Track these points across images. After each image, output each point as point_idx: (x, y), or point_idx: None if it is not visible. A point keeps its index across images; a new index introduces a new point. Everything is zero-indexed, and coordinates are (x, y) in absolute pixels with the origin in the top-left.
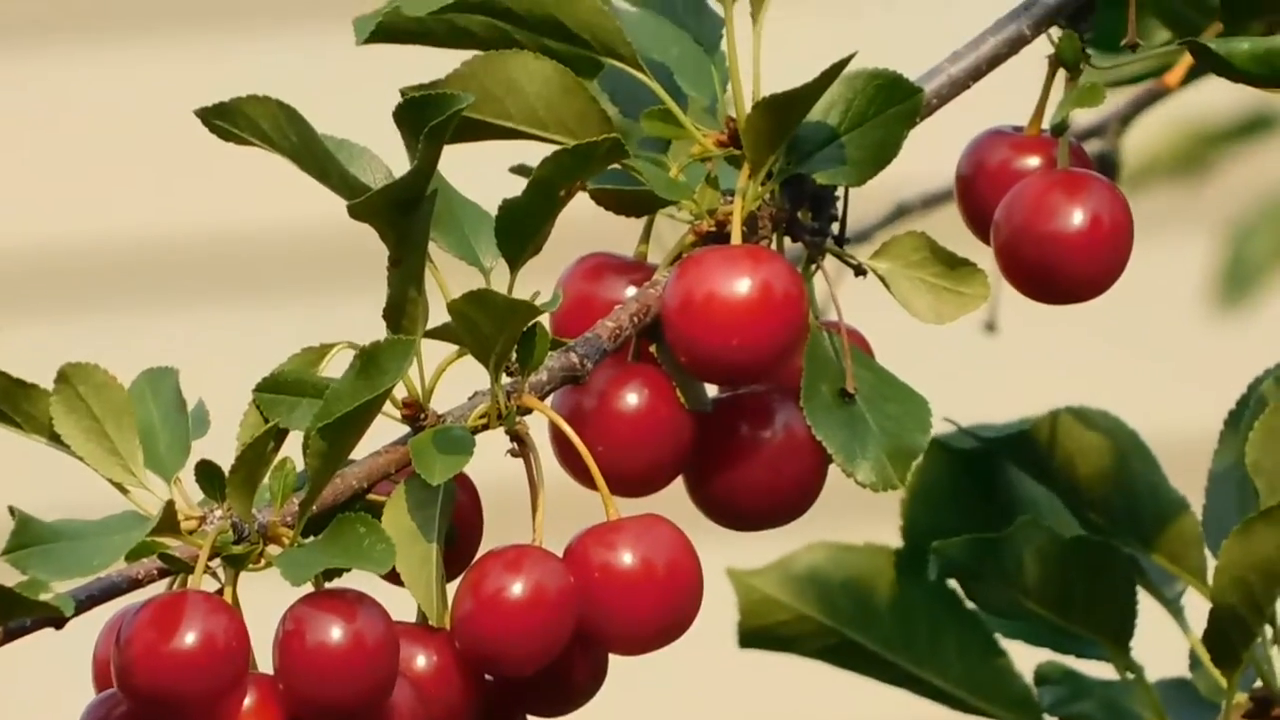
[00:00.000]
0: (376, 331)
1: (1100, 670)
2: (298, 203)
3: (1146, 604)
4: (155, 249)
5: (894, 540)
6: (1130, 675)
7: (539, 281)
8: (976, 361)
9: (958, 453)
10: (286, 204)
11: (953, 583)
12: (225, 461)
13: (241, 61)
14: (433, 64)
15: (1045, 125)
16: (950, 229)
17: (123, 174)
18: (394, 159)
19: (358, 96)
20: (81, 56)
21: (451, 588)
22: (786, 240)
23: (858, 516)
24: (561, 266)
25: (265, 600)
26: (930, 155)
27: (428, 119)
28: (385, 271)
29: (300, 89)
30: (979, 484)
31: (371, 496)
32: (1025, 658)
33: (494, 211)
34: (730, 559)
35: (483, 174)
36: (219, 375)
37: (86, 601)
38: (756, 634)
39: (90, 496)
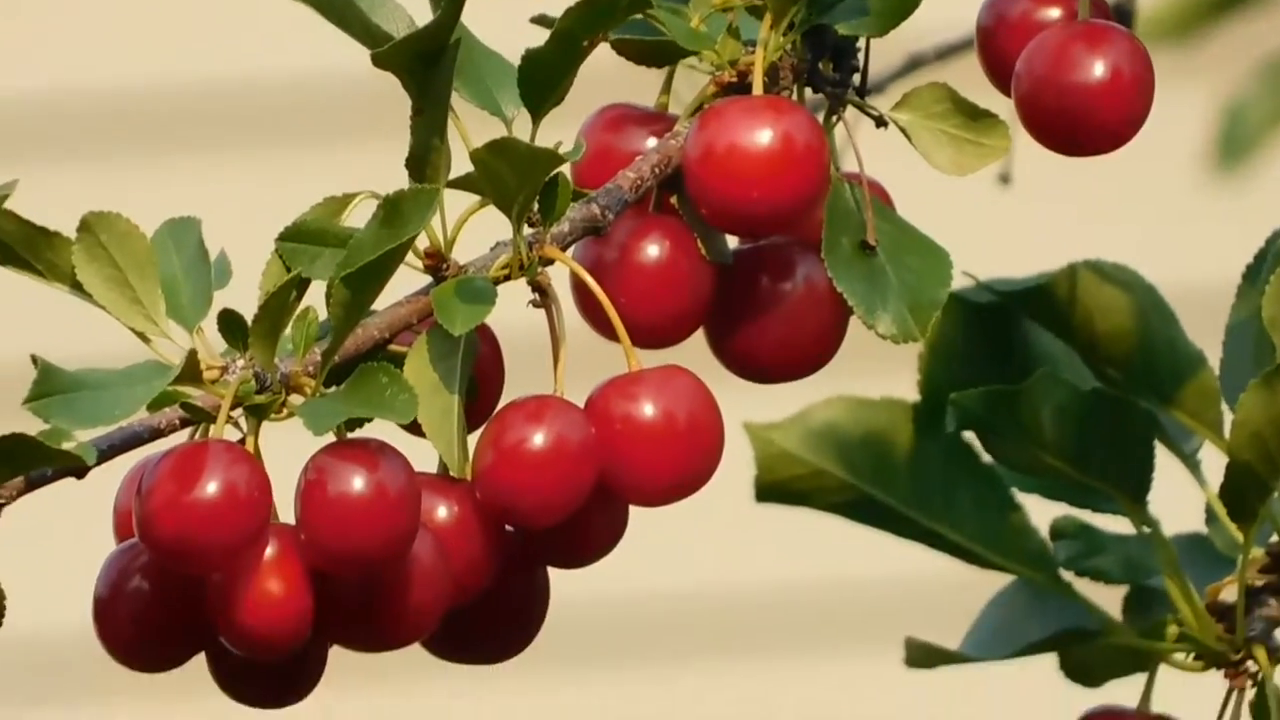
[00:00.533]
0: (399, 181)
1: (1117, 525)
2: (319, 52)
3: (1163, 459)
4: (177, 97)
5: (911, 395)
6: (1147, 530)
7: (560, 133)
8: (992, 215)
9: (976, 307)
10: (308, 53)
11: (970, 437)
12: (248, 312)
13: None
14: None
15: None
16: (963, 80)
17: (144, 20)
18: (414, 8)
19: None
20: None
21: (473, 439)
22: (808, 92)
23: (875, 371)
24: (583, 117)
25: (289, 451)
26: (942, 6)
27: None
28: (407, 121)
29: None
30: (997, 339)
31: (393, 347)
32: (1041, 512)
33: (516, 62)
34: (750, 413)
35: (504, 25)
36: (241, 226)
37: (108, 451)
38: (773, 488)
39: (112, 346)
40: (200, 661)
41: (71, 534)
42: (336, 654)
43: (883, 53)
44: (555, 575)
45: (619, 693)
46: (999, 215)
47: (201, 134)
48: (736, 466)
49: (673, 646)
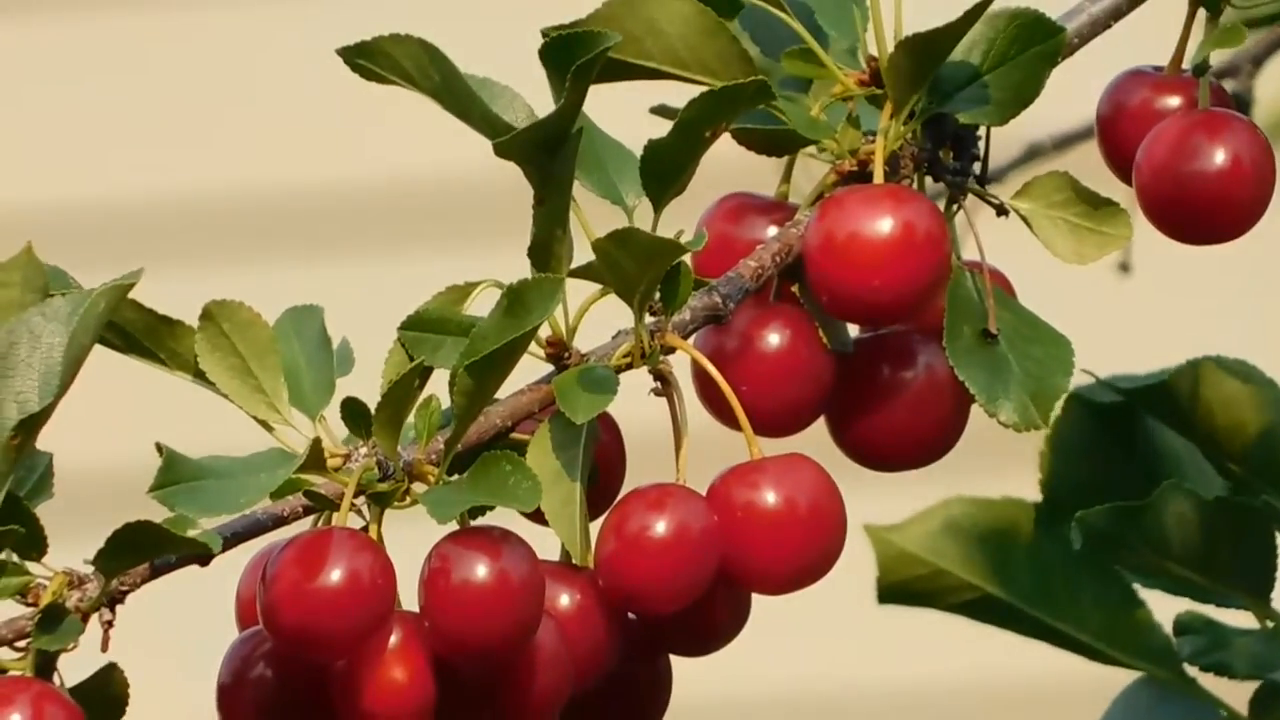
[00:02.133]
0: (521, 273)
1: (1240, 619)
2: (440, 150)
3: None
4: (302, 198)
5: (1029, 492)
6: (1270, 624)
7: (681, 222)
8: (1111, 307)
9: (1096, 405)
10: (432, 150)
11: None
12: (370, 402)
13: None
14: (567, 7)
15: (1185, 65)
16: (1080, 170)
17: (268, 123)
18: (533, 98)
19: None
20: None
21: (594, 527)
22: (928, 180)
23: (994, 468)
24: (703, 207)
25: (411, 539)
26: (1059, 96)
27: (575, 57)
28: (529, 215)
29: (434, 26)
30: (1118, 437)
31: (515, 435)
32: (1164, 608)
33: (637, 152)
34: (870, 505)
35: (622, 115)
36: (365, 321)
37: (232, 539)
38: (894, 589)
39: (234, 437)
40: None
41: (194, 623)
42: None
43: (1000, 143)
44: (681, 674)
45: None
46: (1119, 305)
47: (325, 235)
48: (860, 564)
49: None
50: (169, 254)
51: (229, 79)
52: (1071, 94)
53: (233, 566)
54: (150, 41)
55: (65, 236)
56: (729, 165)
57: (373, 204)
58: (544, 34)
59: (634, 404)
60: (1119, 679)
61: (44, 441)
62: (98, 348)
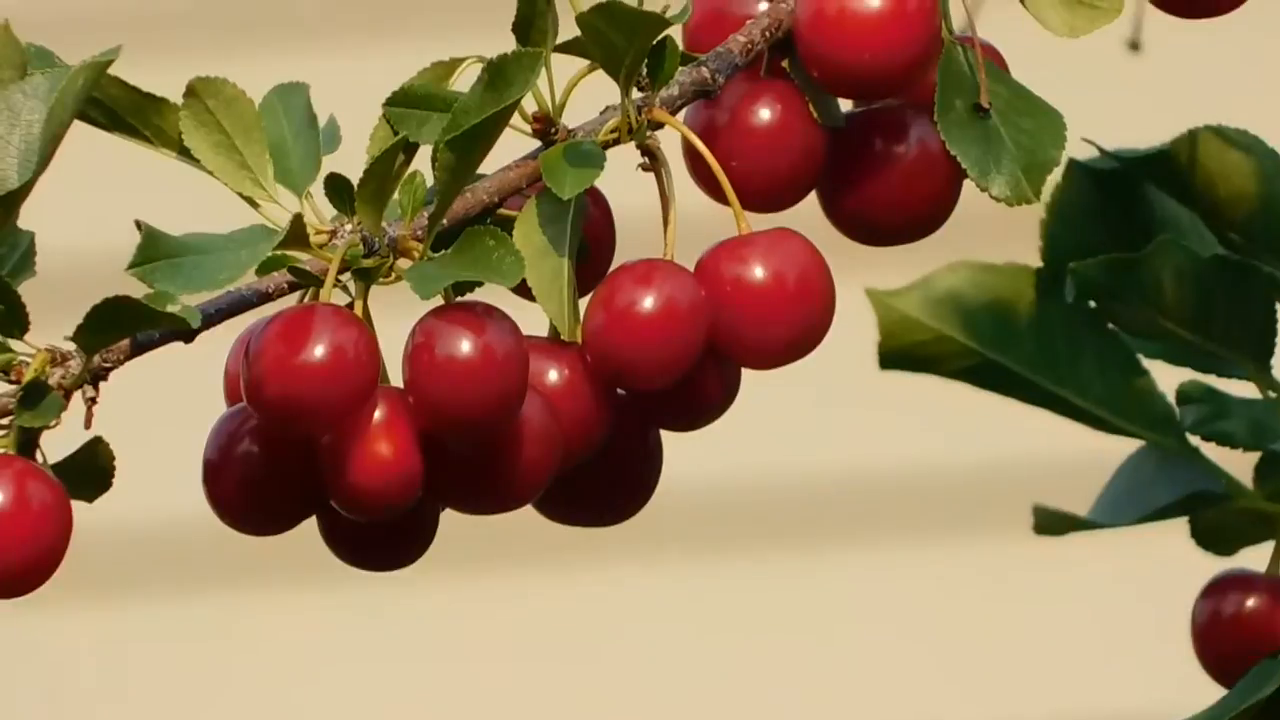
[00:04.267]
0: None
1: (1243, 389)
2: None
3: None
4: None
5: (1033, 260)
6: (1273, 394)
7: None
8: (1118, 83)
9: (1097, 172)
10: None
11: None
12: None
13: None
14: None
15: None
16: None
17: None
18: None
19: None
20: None
21: (584, 303)
22: None
23: (995, 237)
24: None
25: (395, 314)
26: None
27: None
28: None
29: None
30: (1119, 204)
31: (502, 211)
32: (1166, 379)
33: None
34: (866, 281)
35: None
36: (353, 108)
37: (215, 315)
38: (896, 354)
39: (219, 214)
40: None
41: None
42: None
43: None
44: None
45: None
46: (1127, 85)
47: (308, 20)
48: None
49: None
50: (152, 43)
51: None
52: None
53: (223, 345)
54: None
55: (47, 25)
56: None
57: None
58: None
59: (622, 181)
60: (1119, 455)
61: (27, 221)
62: (81, 127)
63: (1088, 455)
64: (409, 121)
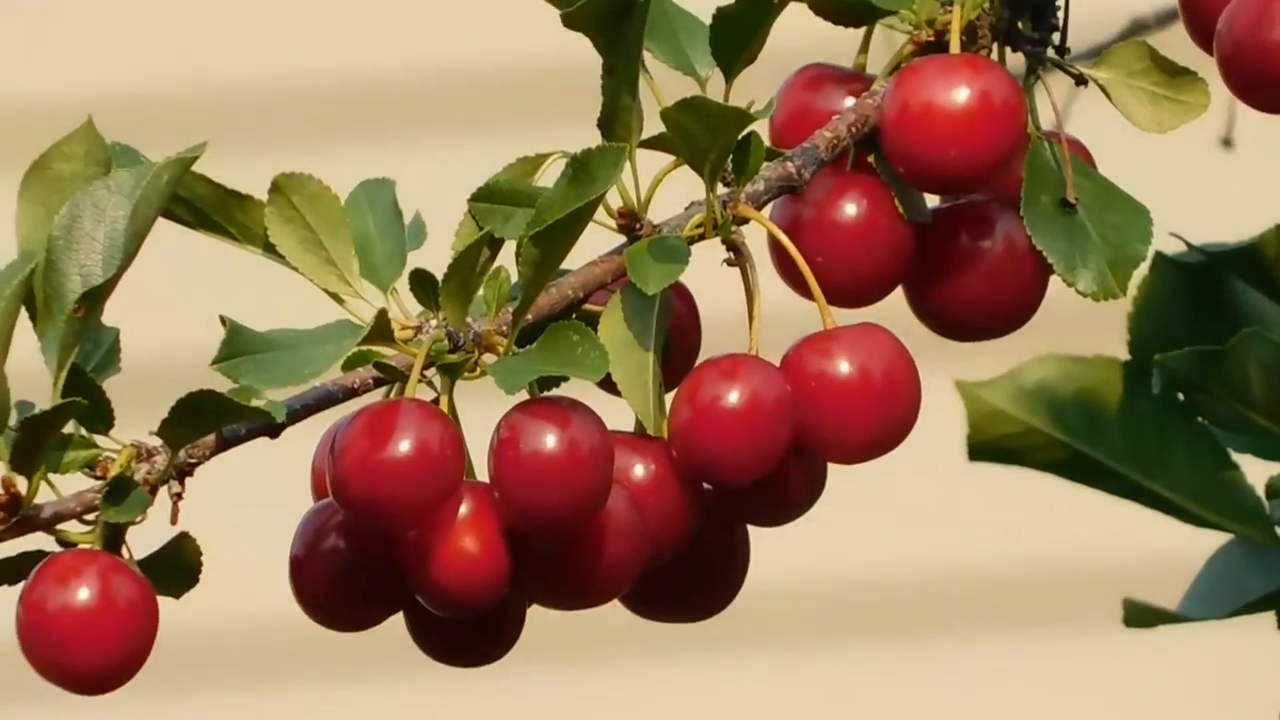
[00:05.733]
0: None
1: None
2: (516, 36)
3: None
4: (379, 84)
5: (1121, 353)
6: None
7: (761, 93)
8: (1207, 177)
9: (1184, 266)
10: (504, 37)
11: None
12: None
13: None
14: None
15: None
16: (1185, 43)
17: (337, 9)
18: None
19: None
20: None
21: (669, 398)
22: (1007, 51)
23: (1083, 331)
24: (783, 78)
25: (481, 409)
26: None
27: None
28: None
29: None
30: (1206, 298)
31: (588, 306)
32: (1256, 472)
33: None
34: (953, 375)
35: None
36: (438, 205)
37: (301, 410)
38: (985, 447)
39: (305, 310)
40: None
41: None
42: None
43: (1104, 17)
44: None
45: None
46: (1217, 180)
47: (400, 119)
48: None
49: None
50: (238, 141)
51: None
52: None
53: (310, 440)
54: None
55: (133, 123)
56: (808, 38)
57: (446, 89)
58: None
59: (708, 276)
60: (1205, 552)
61: (113, 318)
62: (168, 224)
63: (1176, 549)
64: (494, 217)
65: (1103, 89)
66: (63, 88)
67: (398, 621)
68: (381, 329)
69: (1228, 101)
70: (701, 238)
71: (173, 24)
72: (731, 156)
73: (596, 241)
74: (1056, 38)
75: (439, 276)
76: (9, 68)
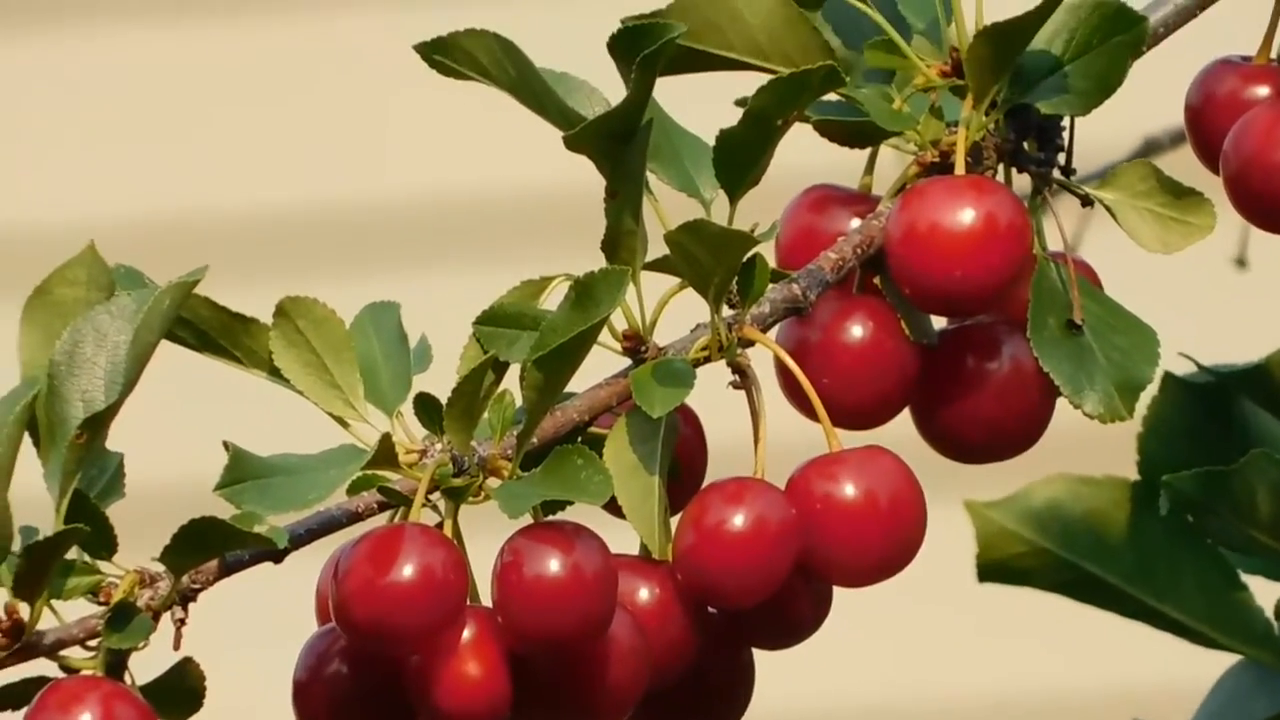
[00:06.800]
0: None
1: None
2: (521, 162)
3: None
4: (383, 210)
5: (1130, 473)
6: None
7: (766, 216)
8: (1220, 298)
9: (1193, 387)
10: (507, 163)
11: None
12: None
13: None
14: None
15: (1274, 54)
16: (1198, 164)
17: (332, 139)
18: (615, 94)
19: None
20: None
21: (674, 520)
22: (1013, 172)
23: (1092, 450)
24: (789, 199)
25: (485, 534)
26: (1176, 90)
27: (641, 47)
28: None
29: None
30: (1215, 419)
31: (593, 430)
32: (1265, 593)
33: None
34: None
35: (711, 108)
36: (444, 331)
37: (305, 535)
38: (994, 567)
39: (311, 437)
40: None
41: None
42: None
43: (1116, 138)
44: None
45: None
46: (1228, 299)
47: (402, 248)
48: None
49: None
50: (241, 268)
51: (297, 93)
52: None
53: (314, 564)
54: (215, 55)
55: (135, 250)
56: (813, 159)
57: (450, 214)
58: (621, 23)
59: (714, 398)
60: (1211, 677)
61: (117, 444)
62: (172, 348)
63: (1184, 672)
64: (498, 340)
65: (1108, 209)
66: (65, 214)
67: None
68: (386, 453)
69: (1241, 221)
70: (707, 360)
71: (175, 151)
72: (736, 279)
73: (601, 364)
74: (1062, 158)
75: (444, 400)
76: (10, 194)
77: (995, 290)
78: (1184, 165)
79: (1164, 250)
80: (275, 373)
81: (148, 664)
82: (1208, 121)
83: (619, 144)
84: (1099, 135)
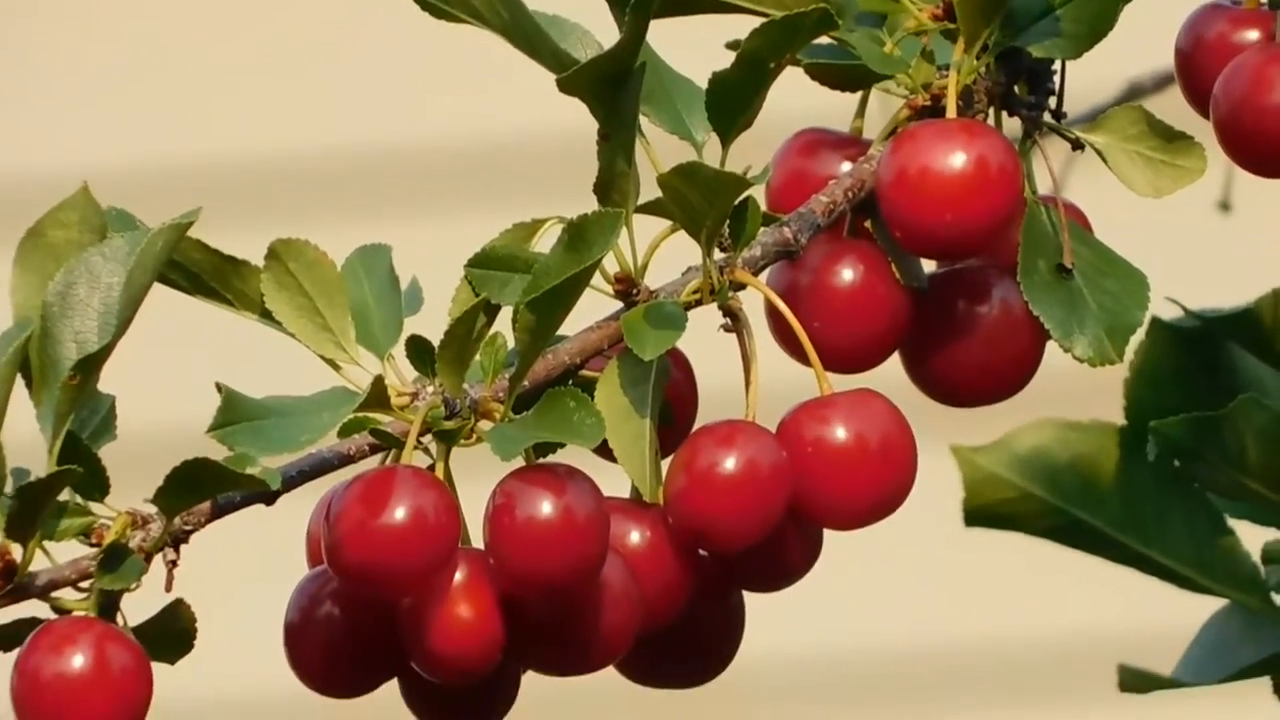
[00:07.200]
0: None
1: None
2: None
3: None
4: (375, 153)
5: (1117, 418)
6: None
7: (757, 160)
8: (1206, 243)
9: (1181, 332)
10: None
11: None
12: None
13: None
14: None
15: None
16: (1183, 108)
17: (334, 83)
18: (609, 38)
19: None
20: None
21: (666, 464)
22: (1004, 115)
23: (1081, 397)
24: (780, 143)
25: (477, 476)
26: (1162, 34)
27: None
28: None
29: None
30: (1202, 364)
31: (585, 373)
32: (1252, 538)
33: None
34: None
35: (703, 53)
36: (437, 275)
37: (297, 477)
38: (981, 512)
39: (301, 376)
40: None
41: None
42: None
43: (1102, 82)
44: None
45: None
46: (1215, 244)
47: (400, 194)
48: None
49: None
50: (234, 212)
51: (288, 38)
52: (1174, 32)
53: (305, 506)
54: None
55: (129, 195)
56: (805, 103)
57: (442, 156)
58: None
59: (706, 341)
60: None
61: (109, 386)
62: (164, 291)
63: (1172, 615)
64: (490, 283)
65: (1099, 154)
66: (59, 160)
67: (392, 688)
68: (378, 396)
69: (1225, 165)
70: (698, 303)
71: (168, 98)
72: (728, 222)
73: (593, 307)
74: (1053, 102)
75: (435, 343)
76: (5, 141)
77: (986, 234)
78: (1169, 109)
79: (1155, 194)
80: (267, 315)
81: (140, 606)
82: (1197, 65)
83: (612, 87)
84: (1083, 79)
